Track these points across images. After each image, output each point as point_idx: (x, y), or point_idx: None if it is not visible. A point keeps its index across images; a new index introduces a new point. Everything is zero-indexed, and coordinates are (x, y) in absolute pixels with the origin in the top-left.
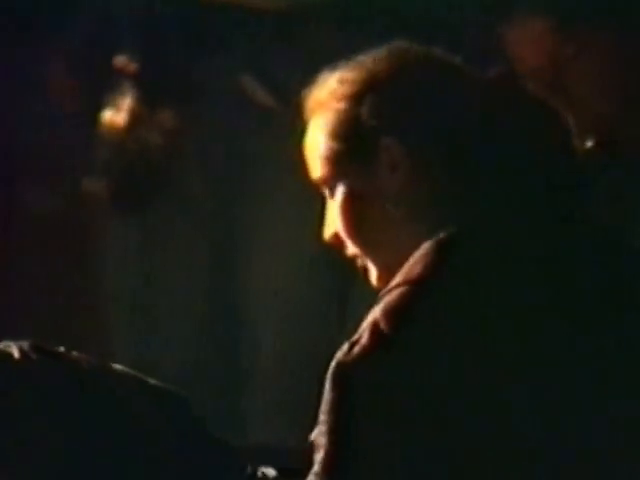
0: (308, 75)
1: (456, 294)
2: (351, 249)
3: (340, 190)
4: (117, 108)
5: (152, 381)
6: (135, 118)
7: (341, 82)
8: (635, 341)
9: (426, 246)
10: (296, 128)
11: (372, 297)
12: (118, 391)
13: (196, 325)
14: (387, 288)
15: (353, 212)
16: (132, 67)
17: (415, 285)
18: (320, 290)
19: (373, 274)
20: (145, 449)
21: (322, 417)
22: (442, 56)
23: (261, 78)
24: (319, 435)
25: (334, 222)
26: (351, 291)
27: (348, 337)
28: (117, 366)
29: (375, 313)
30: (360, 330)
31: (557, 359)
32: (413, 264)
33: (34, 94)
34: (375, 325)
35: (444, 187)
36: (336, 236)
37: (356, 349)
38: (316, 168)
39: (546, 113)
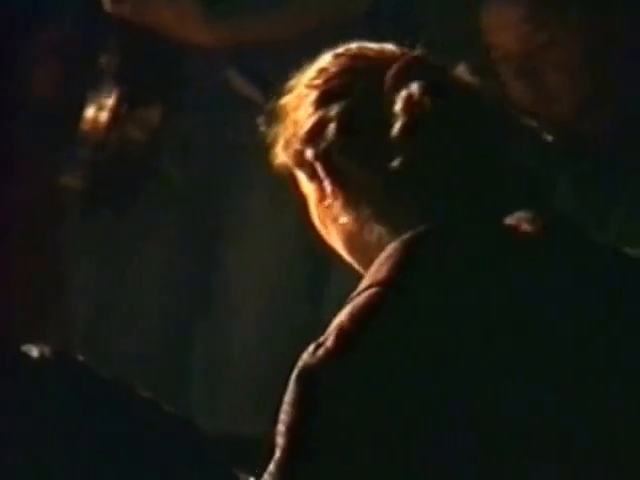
0: (290, 69)
1: (422, 295)
2: (336, 246)
3: (310, 190)
4: (99, 104)
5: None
6: (117, 114)
7: (308, 88)
8: (596, 332)
9: (392, 247)
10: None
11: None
12: (134, 409)
13: (176, 318)
14: (356, 291)
15: (317, 216)
16: (114, 63)
17: (381, 287)
18: (302, 282)
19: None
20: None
21: (282, 416)
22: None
23: (245, 72)
24: (278, 435)
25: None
26: (326, 290)
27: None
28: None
29: (342, 316)
30: (327, 332)
31: (526, 359)
32: (379, 265)
33: (12, 88)
34: (341, 327)
35: (413, 186)
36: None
37: (321, 351)
38: (292, 168)
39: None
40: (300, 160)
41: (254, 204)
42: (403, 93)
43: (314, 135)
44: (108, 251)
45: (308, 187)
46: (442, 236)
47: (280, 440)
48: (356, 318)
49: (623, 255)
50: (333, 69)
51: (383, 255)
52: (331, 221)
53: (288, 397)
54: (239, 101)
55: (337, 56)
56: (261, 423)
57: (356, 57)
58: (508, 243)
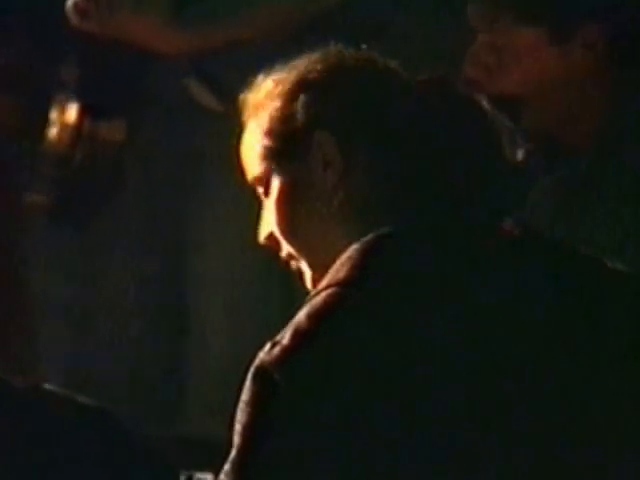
0: (249, 76)
1: (382, 295)
2: (285, 250)
3: (275, 186)
4: (61, 120)
5: (82, 399)
6: (80, 129)
7: (276, 83)
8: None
9: (353, 248)
10: (239, 129)
11: None
12: (49, 411)
13: (144, 327)
14: (314, 291)
15: (287, 208)
16: (75, 77)
17: (340, 287)
18: (269, 289)
19: (307, 276)
20: (76, 468)
21: (238, 415)
22: (376, 59)
23: (203, 79)
24: (235, 434)
25: (269, 222)
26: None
27: None
28: (48, 386)
29: (299, 315)
30: (283, 330)
31: (488, 362)
32: (340, 266)
33: None
34: (297, 325)
35: (377, 187)
36: (271, 237)
37: (276, 349)
38: (252, 169)
39: (477, 115)
40: (287, 146)
41: (219, 214)
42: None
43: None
44: (74, 266)
45: (288, 175)
46: (404, 239)
47: (236, 439)
48: (313, 316)
49: (595, 260)
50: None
51: (344, 256)
52: (296, 212)
53: (244, 395)
54: (201, 110)
55: (313, 58)
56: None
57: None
58: (473, 247)
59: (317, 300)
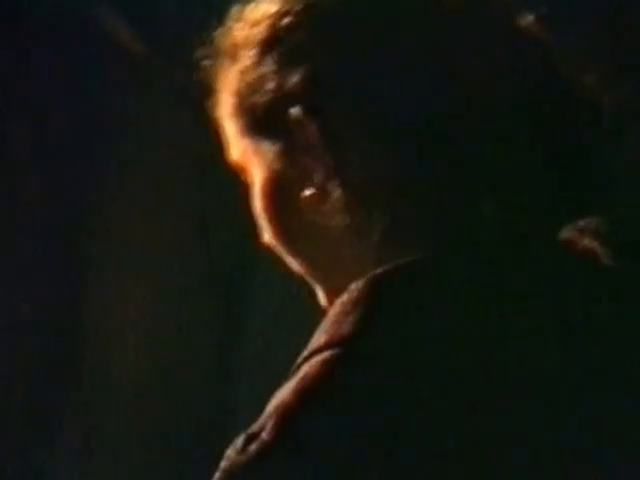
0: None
1: (396, 363)
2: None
3: (257, 177)
4: None
5: None
6: None
7: (257, 19)
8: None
9: (356, 288)
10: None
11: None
12: None
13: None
14: (306, 352)
15: (274, 208)
16: None
17: (339, 348)
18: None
19: (320, 295)
20: None
21: None
22: None
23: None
24: None
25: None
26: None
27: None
28: None
29: (284, 394)
30: (262, 417)
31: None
32: (339, 315)
33: None
34: (283, 411)
35: (397, 183)
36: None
37: (254, 445)
38: (233, 147)
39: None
40: (265, 122)
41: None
42: None
43: (303, 87)
44: None
45: (270, 163)
46: (427, 274)
47: None
48: (304, 393)
49: None
50: None
51: (345, 299)
52: (299, 216)
53: None
54: None
55: None
56: None
57: None
58: (543, 276)
59: (311, 369)
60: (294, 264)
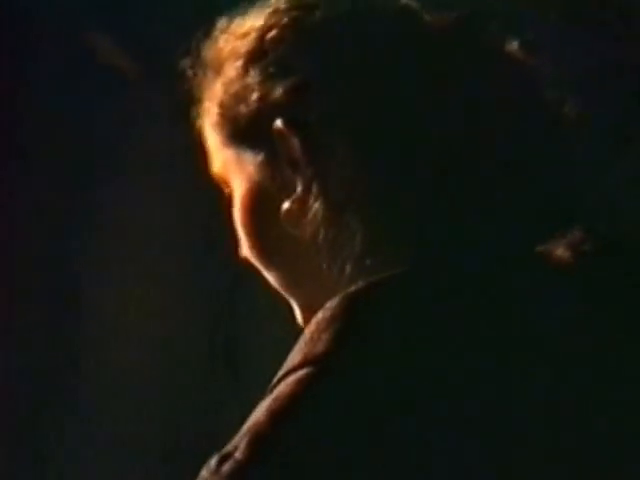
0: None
1: (369, 380)
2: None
3: (237, 189)
4: None
5: None
6: None
7: (245, 31)
8: None
9: (330, 307)
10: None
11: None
12: None
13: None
14: (282, 372)
15: (253, 220)
16: None
17: (314, 366)
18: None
19: (297, 313)
20: None
21: None
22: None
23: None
24: None
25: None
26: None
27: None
28: None
29: (258, 413)
30: (236, 437)
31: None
32: (314, 333)
33: None
34: (256, 431)
35: (379, 196)
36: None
37: (227, 465)
38: (214, 158)
39: (519, 78)
40: (248, 133)
41: None
42: None
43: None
44: None
45: (252, 174)
46: (408, 290)
47: None
48: (277, 414)
49: None
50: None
51: (320, 317)
52: (278, 229)
53: None
54: None
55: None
56: None
57: None
58: (527, 289)
59: (285, 388)
60: (271, 279)
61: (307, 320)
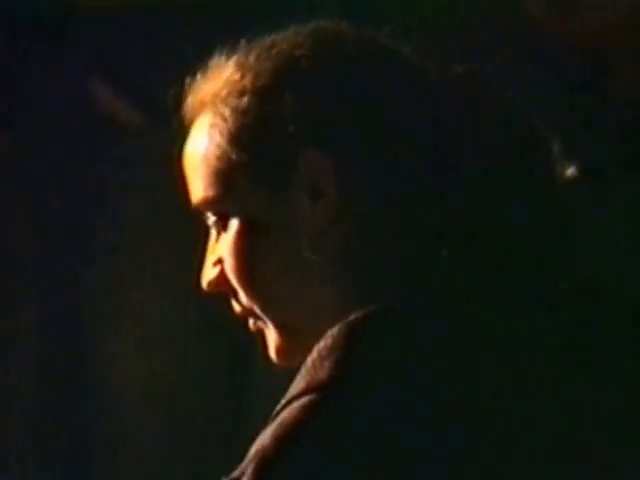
0: (171, 80)
1: (371, 408)
2: (243, 302)
3: (235, 219)
4: None
5: None
6: None
7: (242, 69)
8: None
9: (331, 335)
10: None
11: None
12: None
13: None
14: (285, 399)
15: (251, 251)
16: None
17: (319, 393)
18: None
19: (271, 341)
20: None
21: None
22: (385, 43)
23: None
24: None
25: (221, 260)
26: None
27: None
28: None
29: (264, 438)
30: (243, 463)
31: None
32: (316, 360)
33: None
34: (263, 455)
35: (387, 231)
36: (221, 280)
37: None
38: (199, 188)
39: (520, 124)
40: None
41: None
42: None
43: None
44: None
45: (247, 204)
46: (409, 319)
47: None
48: (284, 443)
49: None
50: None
51: (322, 345)
52: (266, 256)
53: None
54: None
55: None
56: None
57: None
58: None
59: (289, 414)
60: (249, 305)
61: (283, 349)
